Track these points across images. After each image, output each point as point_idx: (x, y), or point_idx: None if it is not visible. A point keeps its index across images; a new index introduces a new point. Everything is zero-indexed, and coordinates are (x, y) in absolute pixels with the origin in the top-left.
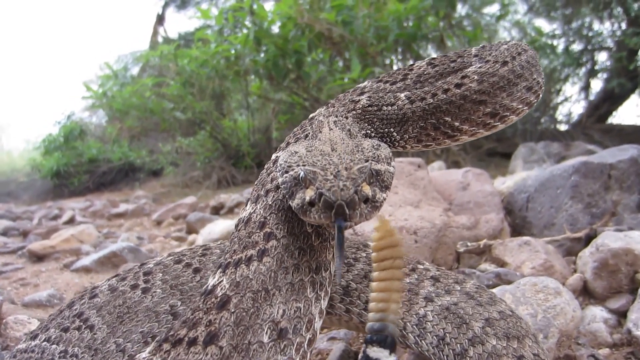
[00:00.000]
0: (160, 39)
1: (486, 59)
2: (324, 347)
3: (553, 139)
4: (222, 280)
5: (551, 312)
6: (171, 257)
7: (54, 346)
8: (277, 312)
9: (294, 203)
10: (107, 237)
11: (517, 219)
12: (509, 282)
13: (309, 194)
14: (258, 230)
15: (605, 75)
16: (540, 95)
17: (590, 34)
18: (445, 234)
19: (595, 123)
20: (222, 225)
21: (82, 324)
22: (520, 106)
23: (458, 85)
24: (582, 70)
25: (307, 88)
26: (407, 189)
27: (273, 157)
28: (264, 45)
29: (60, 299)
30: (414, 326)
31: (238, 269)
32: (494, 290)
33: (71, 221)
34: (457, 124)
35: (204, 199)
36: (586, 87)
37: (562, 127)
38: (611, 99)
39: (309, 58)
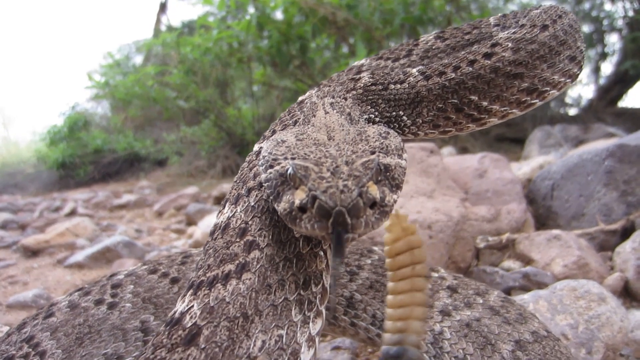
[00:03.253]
0: (163, 28)
1: (520, 24)
2: (328, 358)
3: (564, 123)
4: (192, 306)
5: (595, 323)
6: (145, 267)
7: None
8: (255, 345)
9: (280, 207)
10: (105, 230)
11: (541, 209)
12: (539, 284)
13: (299, 196)
14: (238, 239)
15: (616, 58)
16: (583, 66)
17: (602, 14)
18: (463, 227)
19: (607, 107)
20: None
21: (31, 350)
22: (562, 79)
23: (488, 56)
24: (592, 53)
25: (312, 74)
26: (419, 177)
27: (256, 147)
28: (267, 31)
29: (47, 299)
30: (429, 345)
31: (213, 289)
32: (525, 296)
33: (72, 213)
34: (485, 103)
35: (209, 188)
36: (596, 70)
37: (572, 111)
38: (622, 81)
39: (313, 44)
